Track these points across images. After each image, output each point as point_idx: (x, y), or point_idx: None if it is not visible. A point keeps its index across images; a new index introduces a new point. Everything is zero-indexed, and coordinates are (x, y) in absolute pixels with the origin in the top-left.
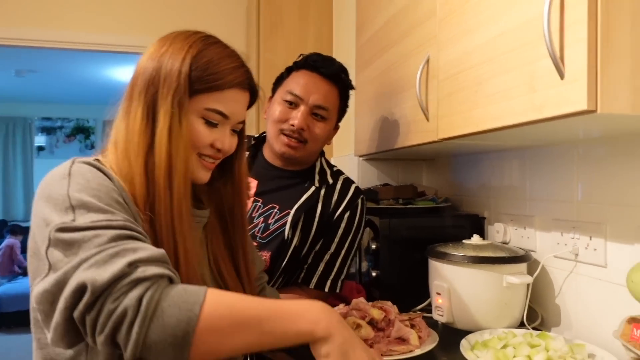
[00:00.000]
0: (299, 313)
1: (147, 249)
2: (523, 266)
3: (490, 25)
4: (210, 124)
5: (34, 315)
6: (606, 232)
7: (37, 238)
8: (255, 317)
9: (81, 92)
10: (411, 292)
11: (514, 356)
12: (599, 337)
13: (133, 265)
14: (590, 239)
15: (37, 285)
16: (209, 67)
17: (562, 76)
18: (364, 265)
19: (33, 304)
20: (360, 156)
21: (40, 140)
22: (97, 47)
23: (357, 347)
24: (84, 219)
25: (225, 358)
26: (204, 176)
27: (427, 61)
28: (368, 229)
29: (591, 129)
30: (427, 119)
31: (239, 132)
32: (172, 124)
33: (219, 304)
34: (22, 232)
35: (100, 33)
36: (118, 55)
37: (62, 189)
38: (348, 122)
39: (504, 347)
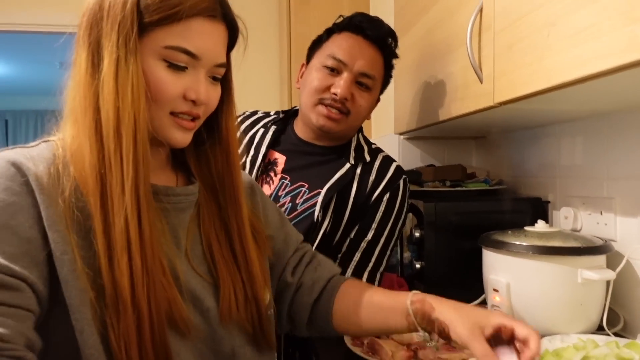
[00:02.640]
0: None
1: None
2: (602, 258)
3: None
4: (175, 67)
5: None
6: None
7: None
8: None
9: None
10: (462, 287)
11: None
12: None
13: None
14: None
15: None
16: None
17: None
18: (406, 256)
19: None
20: (401, 134)
21: None
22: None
23: None
24: None
25: None
26: (181, 138)
27: (481, 10)
28: (411, 214)
29: None
30: (481, 81)
31: (223, 81)
32: (118, 68)
33: None
34: None
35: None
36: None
37: None
38: (387, 98)
39: (584, 359)
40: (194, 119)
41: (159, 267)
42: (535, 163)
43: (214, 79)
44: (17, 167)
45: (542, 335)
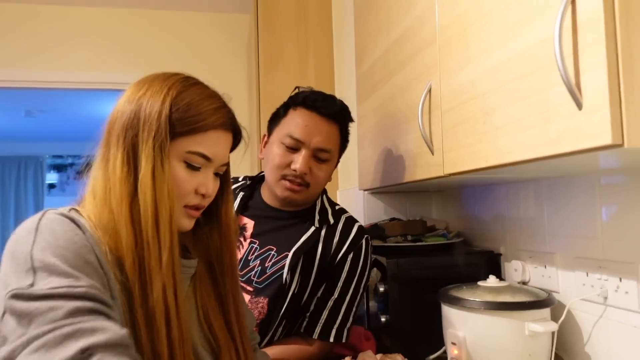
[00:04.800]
0: None
1: (106, 331)
2: (546, 311)
3: (496, 50)
4: (192, 167)
5: None
6: (639, 272)
7: None
8: None
9: (90, 129)
10: (424, 338)
11: None
12: None
13: (87, 351)
14: (621, 281)
15: None
16: (190, 109)
17: (579, 106)
18: (372, 305)
19: None
20: (365, 190)
21: (51, 177)
22: (102, 86)
23: None
24: (43, 283)
25: None
26: (188, 225)
27: (429, 90)
28: (375, 269)
29: (614, 161)
30: (432, 153)
31: (223, 175)
32: (155, 168)
33: None
34: None
35: (106, 72)
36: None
37: (26, 246)
38: (351, 155)
39: None
40: (198, 208)
41: (189, 337)
42: (489, 216)
43: (216, 174)
44: (76, 223)
45: None
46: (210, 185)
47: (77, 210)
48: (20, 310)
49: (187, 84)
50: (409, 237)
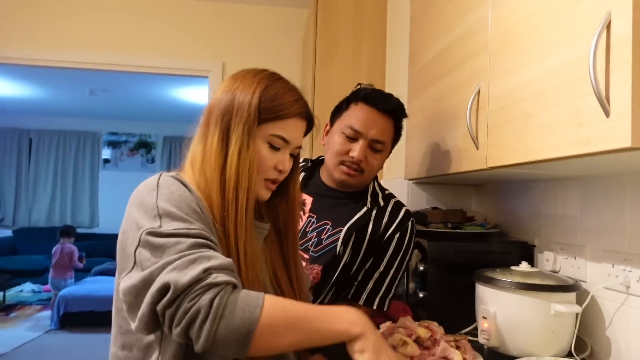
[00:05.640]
0: (339, 315)
1: (218, 258)
2: (572, 295)
3: (540, 61)
4: (273, 147)
5: (118, 305)
6: None
7: (128, 238)
8: (304, 317)
9: (145, 110)
10: (457, 315)
11: None
12: None
13: (207, 271)
14: None
15: (124, 279)
16: (275, 100)
17: (607, 114)
18: (411, 286)
19: (120, 295)
20: (410, 179)
21: (106, 153)
22: (163, 71)
23: (387, 348)
24: (168, 226)
25: (278, 352)
26: (265, 195)
27: (478, 92)
28: (417, 250)
29: (636, 163)
30: (477, 148)
31: (295, 156)
32: (241, 147)
33: (275, 307)
34: (74, 234)
35: (166, 58)
36: (180, 78)
37: (151, 198)
38: (399, 147)
39: None
40: (275, 182)
41: (257, 283)
42: (525, 211)
43: (291, 155)
44: (184, 184)
45: (521, 356)
46: (287, 163)
47: (180, 175)
48: (154, 243)
49: (273, 78)
50: (449, 225)
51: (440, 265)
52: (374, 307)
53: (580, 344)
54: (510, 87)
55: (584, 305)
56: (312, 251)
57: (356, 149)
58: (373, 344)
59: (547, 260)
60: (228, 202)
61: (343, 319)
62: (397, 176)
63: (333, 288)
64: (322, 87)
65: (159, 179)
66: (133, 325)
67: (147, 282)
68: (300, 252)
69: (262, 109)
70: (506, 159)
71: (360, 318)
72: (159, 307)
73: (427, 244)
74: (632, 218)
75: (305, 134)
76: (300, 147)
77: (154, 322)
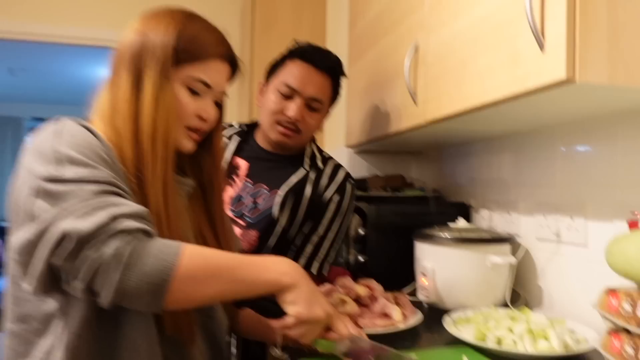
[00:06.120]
0: (268, 265)
1: (129, 205)
2: (506, 247)
3: (474, 7)
4: (194, 92)
5: (13, 271)
6: (587, 212)
7: (21, 190)
8: (228, 266)
9: (73, 93)
10: (398, 277)
11: (496, 328)
12: (579, 317)
13: (115, 218)
14: (572, 219)
15: (17, 235)
16: (193, 39)
17: (542, 48)
18: (352, 254)
19: (13, 255)
20: (351, 147)
21: None
22: (89, 42)
23: (323, 299)
24: (70, 171)
25: (199, 304)
26: (188, 145)
27: (416, 48)
28: (357, 216)
29: (571, 107)
30: (416, 104)
31: (220, 106)
32: (157, 92)
33: (195, 255)
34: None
35: (93, 28)
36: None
37: (51, 143)
38: (340, 115)
39: (486, 320)
40: (198, 131)
41: (180, 237)
42: (462, 175)
43: (216, 103)
44: (91, 131)
45: (458, 308)
46: (210, 111)
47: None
48: (52, 191)
49: (191, 17)
50: (389, 190)
51: (380, 228)
52: (313, 271)
53: (515, 296)
54: (446, 39)
55: (519, 257)
56: (248, 217)
57: (292, 108)
58: (306, 295)
59: (483, 217)
60: (144, 152)
61: (272, 268)
62: (339, 147)
63: (271, 254)
64: (261, 56)
65: (60, 124)
66: (29, 288)
67: (43, 234)
68: (235, 218)
69: (179, 50)
70: (443, 110)
71: (292, 268)
72: (57, 260)
73: (367, 207)
74: (562, 168)
75: (230, 80)
76: (224, 94)
77: (52, 279)
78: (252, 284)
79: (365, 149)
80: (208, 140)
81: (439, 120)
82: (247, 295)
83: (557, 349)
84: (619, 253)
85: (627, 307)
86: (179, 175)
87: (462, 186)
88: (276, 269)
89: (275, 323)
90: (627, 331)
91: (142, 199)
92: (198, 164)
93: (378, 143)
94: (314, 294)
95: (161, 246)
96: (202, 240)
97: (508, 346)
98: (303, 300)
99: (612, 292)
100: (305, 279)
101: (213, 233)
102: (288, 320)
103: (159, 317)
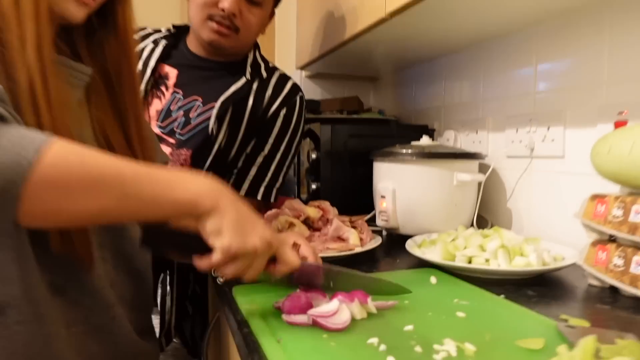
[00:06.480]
0: (177, 180)
1: None
2: (475, 164)
3: None
4: None
5: None
6: (565, 119)
7: None
8: (118, 175)
9: None
10: (355, 206)
11: (465, 247)
12: (552, 238)
13: None
14: (548, 130)
15: None
16: None
17: None
18: (304, 185)
19: None
20: (303, 68)
21: None
22: None
23: (256, 224)
24: None
25: (75, 223)
26: (75, 11)
27: None
28: (308, 140)
29: None
30: None
31: None
32: None
33: (67, 153)
34: None
35: None
36: None
37: None
38: (289, 35)
39: (454, 240)
40: None
41: (68, 135)
42: (424, 98)
43: None
44: None
45: (421, 234)
46: None
47: None
48: None
49: None
50: (345, 113)
51: (335, 152)
52: (259, 197)
53: (480, 221)
54: None
55: (487, 174)
56: (179, 133)
57: None
58: (233, 222)
59: (448, 139)
60: (2, 6)
61: (184, 186)
62: (288, 72)
63: None
64: None
65: None
66: None
67: None
68: (164, 135)
69: None
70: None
71: (213, 187)
72: None
73: (320, 127)
74: (538, 75)
75: None
76: None
77: None
78: (153, 203)
79: (319, 72)
80: (112, 15)
81: (402, 8)
82: (146, 217)
83: (535, 264)
84: (608, 153)
85: (618, 212)
86: (68, 59)
87: (423, 110)
88: (189, 187)
89: (199, 262)
90: (614, 241)
91: (4, 73)
92: (100, 47)
93: (332, 63)
94: (244, 218)
95: (17, 136)
96: (106, 146)
97: (480, 265)
98: (230, 229)
99: (599, 198)
100: (231, 200)
101: (124, 137)
102: (214, 256)
103: (40, 234)
